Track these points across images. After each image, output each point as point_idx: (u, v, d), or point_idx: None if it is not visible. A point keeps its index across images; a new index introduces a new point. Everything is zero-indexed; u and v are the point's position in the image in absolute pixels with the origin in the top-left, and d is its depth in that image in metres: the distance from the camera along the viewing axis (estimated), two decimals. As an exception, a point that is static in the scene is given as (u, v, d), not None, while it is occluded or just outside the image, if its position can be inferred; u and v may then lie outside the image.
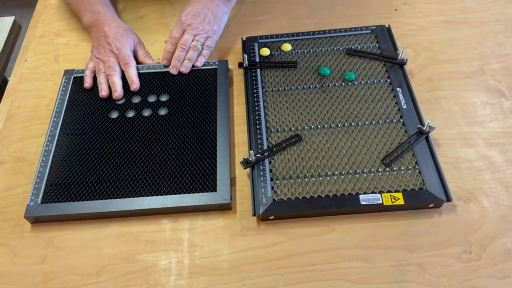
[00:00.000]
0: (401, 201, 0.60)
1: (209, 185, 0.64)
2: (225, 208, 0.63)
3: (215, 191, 0.64)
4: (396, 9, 0.88)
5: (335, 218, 0.62)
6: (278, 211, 0.61)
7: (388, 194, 0.61)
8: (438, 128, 0.69)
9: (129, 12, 0.93)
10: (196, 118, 0.72)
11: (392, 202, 0.60)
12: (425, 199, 0.60)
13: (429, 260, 0.57)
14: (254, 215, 0.61)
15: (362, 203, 0.61)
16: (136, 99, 0.76)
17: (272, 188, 0.63)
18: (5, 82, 0.96)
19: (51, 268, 0.60)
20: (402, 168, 0.63)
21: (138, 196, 0.64)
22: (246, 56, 0.78)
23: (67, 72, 0.81)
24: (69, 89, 0.78)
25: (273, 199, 0.62)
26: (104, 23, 0.81)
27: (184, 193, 0.64)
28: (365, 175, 0.63)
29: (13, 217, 0.65)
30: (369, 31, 0.82)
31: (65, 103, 0.76)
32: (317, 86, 0.74)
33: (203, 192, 0.64)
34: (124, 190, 0.65)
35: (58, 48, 0.87)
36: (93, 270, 0.59)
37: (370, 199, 0.61)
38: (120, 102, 0.76)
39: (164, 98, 0.76)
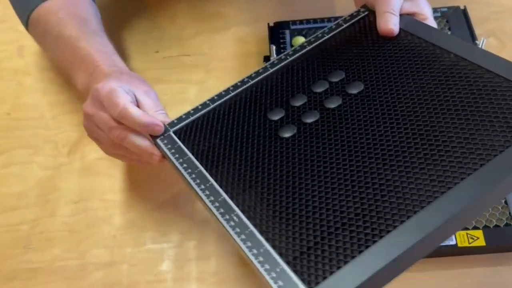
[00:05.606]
0: (481, 241, 0.51)
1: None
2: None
3: None
4: (475, -14, 0.76)
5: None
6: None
7: (464, 232, 0.51)
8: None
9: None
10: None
11: (470, 243, 0.51)
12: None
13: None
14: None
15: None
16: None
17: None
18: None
19: None
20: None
21: None
22: (274, 47, 0.67)
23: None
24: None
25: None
26: None
27: None
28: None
29: None
30: (439, 14, 0.70)
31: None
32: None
33: None
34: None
35: (23, 38, 0.70)
36: None
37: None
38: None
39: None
